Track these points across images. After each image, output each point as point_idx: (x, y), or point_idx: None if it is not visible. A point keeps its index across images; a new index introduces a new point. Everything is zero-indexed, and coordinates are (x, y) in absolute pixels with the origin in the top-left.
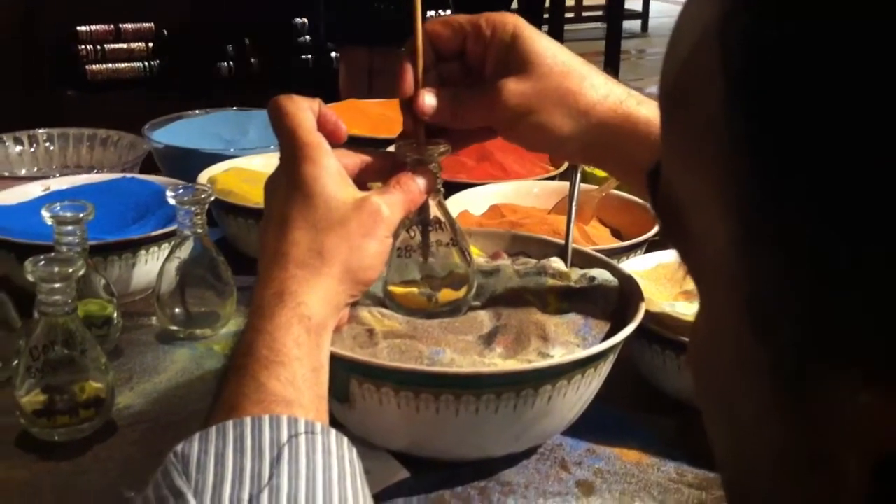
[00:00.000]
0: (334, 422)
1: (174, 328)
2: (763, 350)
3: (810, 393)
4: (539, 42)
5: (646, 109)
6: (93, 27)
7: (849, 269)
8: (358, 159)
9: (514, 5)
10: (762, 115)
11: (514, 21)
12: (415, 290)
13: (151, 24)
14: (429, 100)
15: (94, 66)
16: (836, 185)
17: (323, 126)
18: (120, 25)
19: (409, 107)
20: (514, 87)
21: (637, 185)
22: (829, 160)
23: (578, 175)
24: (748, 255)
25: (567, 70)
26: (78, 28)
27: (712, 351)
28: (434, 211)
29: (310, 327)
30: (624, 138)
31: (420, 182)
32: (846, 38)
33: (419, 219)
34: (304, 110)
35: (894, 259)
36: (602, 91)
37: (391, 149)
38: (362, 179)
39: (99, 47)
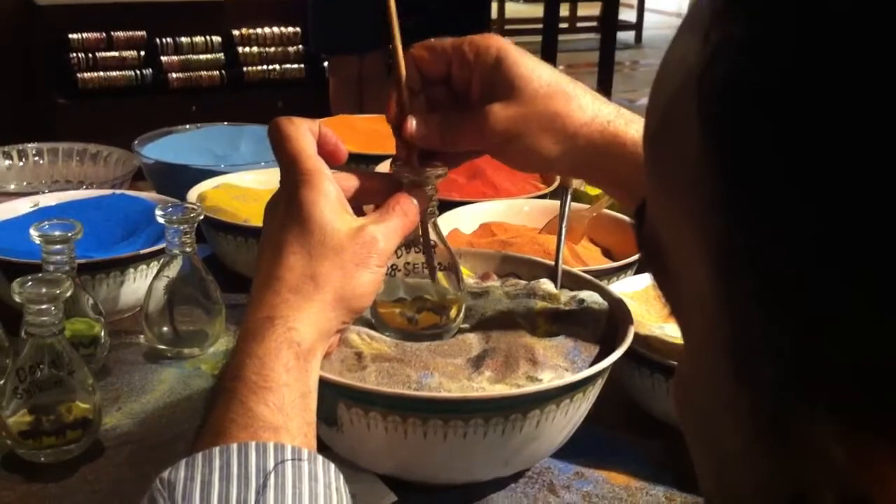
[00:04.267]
0: (322, 445)
1: (162, 347)
2: (743, 392)
3: (790, 435)
4: (524, 64)
5: (634, 129)
6: (84, 35)
7: (826, 321)
8: (356, 181)
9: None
10: (735, 169)
11: (497, 44)
12: (397, 310)
13: (143, 32)
14: (416, 125)
15: (85, 74)
16: (811, 243)
17: (323, 147)
18: (112, 33)
19: (399, 132)
20: (500, 112)
21: (627, 203)
22: (803, 217)
23: (569, 196)
24: (726, 300)
25: (553, 91)
26: (69, 36)
27: (696, 389)
28: (427, 232)
29: (299, 353)
30: (612, 159)
31: (416, 206)
32: (824, 96)
33: (411, 239)
34: (304, 133)
35: (869, 311)
36: (590, 111)
37: (386, 168)
38: (360, 201)
39: (90, 55)
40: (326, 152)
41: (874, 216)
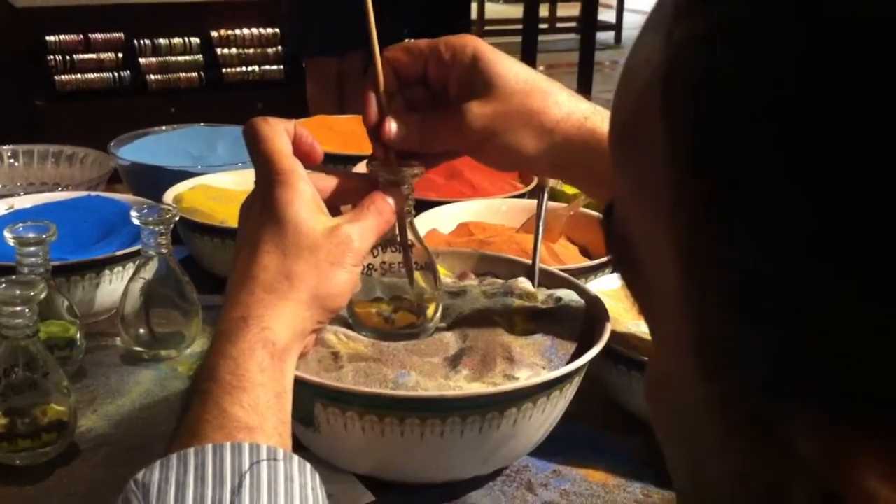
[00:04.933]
0: (299, 445)
1: (138, 349)
2: (714, 389)
3: (763, 431)
4: (500, 63)
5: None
6: (62, 37)
7: (813, 319)
8: (332, 181)
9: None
10: (702, 172)
11: (473, 44)
12: (374, 310)
13: (121, 34)
14: (393, 127)
15: (63, 77)
16: (802, 241)
17: (298, 147)
18: (90, 35)
19: (377, 133)
20: (477, 111)
21: (605, 200)
22: (773, 220)
23: (545, 195)
24: (695, 299)
25: (529, 89)
26: (47, 38)
27: (666, 386)
28: (402, 231)
29: (274, 352)
30: (590, 154)
31: (392, 204)
32: (805, 91)
33: (388, 239)
34: (279, 133)
35: (859, 309)
36: (566, 108)
37: (363, 168)
38: (336, 201)
39: (68, 57)
40: (302, 152)
41: (867, 213)
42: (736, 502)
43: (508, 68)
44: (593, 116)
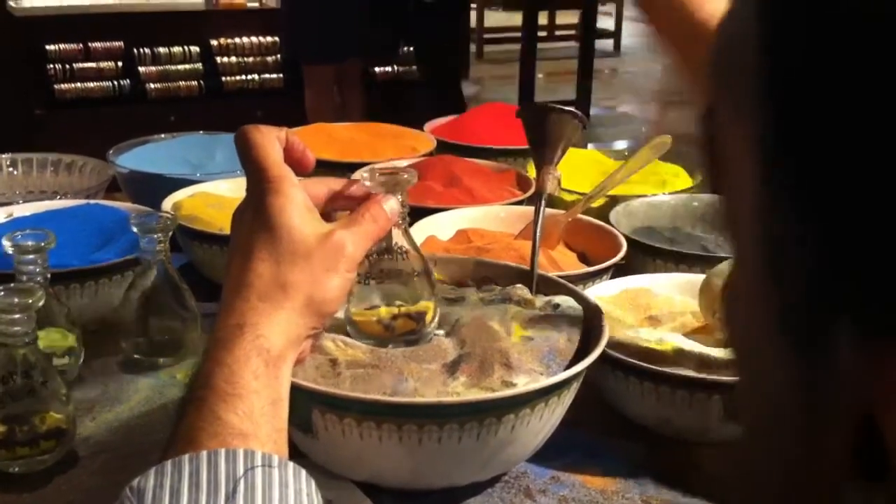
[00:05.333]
0: (297, 452)
1: (137, 356)
2: (776, 298)
3: (810, 343)
4: None
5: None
6: (62, 46)
7: (852, 226)
8: (325, 188)
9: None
10: (785, 76)
11: None
12: (373, 317)
13: (121, 43)
14: None
15: (63, 85)
16: (849, 154)
17: (290, 155)
18: (89, 44)
19: None
20: None
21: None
22: (848, 128)
23: (543, 202)
24: (770, 208)
25: None
26: (47, 47)
27: (739, 301)
28: (399, 239)
29: (269, 360)
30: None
31: (386, 211)
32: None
33: (383, 247)
34: (271, 141)
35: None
36: None
37: (357, 175)
38: (330, 208)
39: (68, 66)
40: (293, 160)
41: None
42: (781, 417)
43: None
44: None
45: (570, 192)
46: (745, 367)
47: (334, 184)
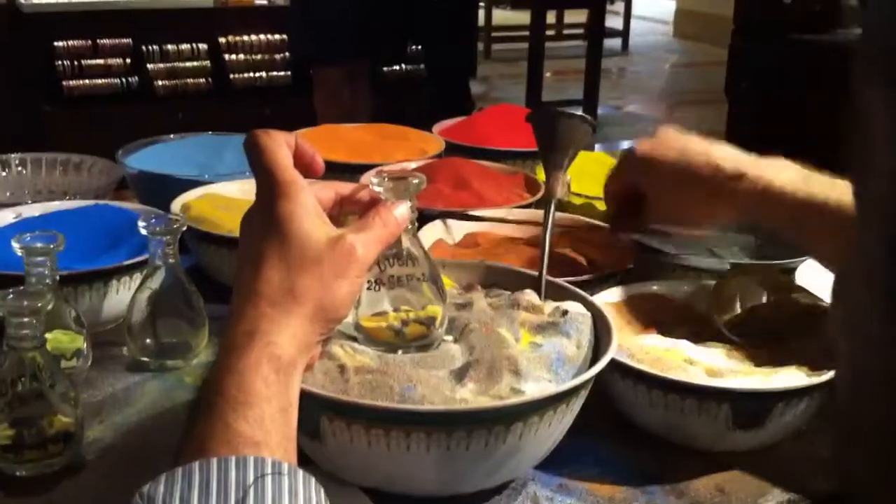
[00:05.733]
0: (305, 458)
1: (145, 359)
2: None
3: None
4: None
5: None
6: (70, 42)
7: None
8: (333, 192)
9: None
10: None
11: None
12: (384, 323)
13: (129, 40)
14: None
15: (71, 82)
16: None
17: (299, 160)
18: (98, 41)
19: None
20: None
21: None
22: None
23: (552, 207)
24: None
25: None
26: (55, 43)
27: (850, 276)
28: (406, 244)
29: (279, 367)
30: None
31: (397, 217)
32: None
33: (391, 252)
34: (280, 146)
35: None
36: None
37: (366, 178)
38: (337, 212)
39: (76, 62)
40: (303, 164)
41: None
42: (883, 398)
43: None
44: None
45: (578, 195)
46: (846, 344)
47: (342, 188)
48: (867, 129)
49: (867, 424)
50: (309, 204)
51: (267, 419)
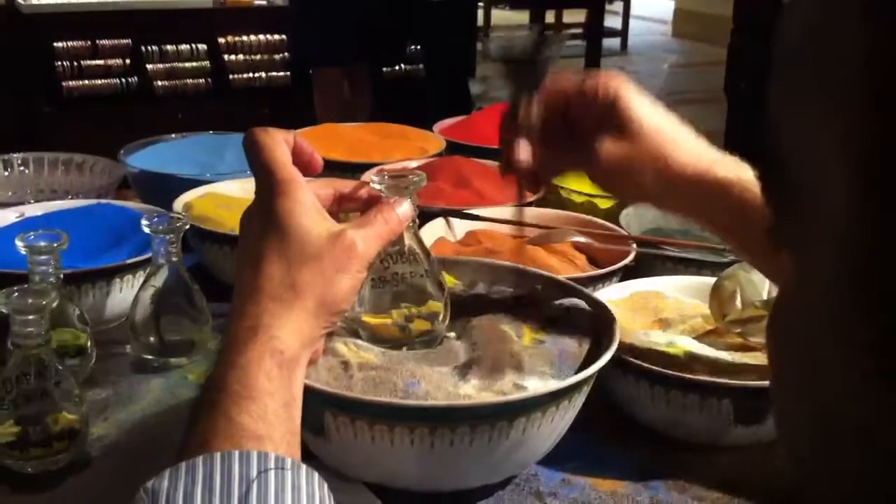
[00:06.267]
0: (309, 454)
1: (149, 357)
2: (867, 326)
3: None
4: (638, 107)
5: (736, 173)
6: (69, 43)
7: None
8: (331, 190)
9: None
10: None
11: (616, 84)
12: (388, 320)
13: (129, 40)
14: (524, 156)
15: (70, 83)
16: None
17: (298, 158)
18: (97, 41)
19: (512, 162)
20: (610, 149)
21: (730, 243)
22: None
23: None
24: (870, 221)
25: (660, 133)
26: (55, 44)
27: (804, 320)
28: (408, 241)
29: (282, 361)
30: (710, 202)
31: (399, 214)
32: None
33: (394, 250)
34: (279, 144)
35: None
36: (693, 154)
37: (367, 178)
38: (338, 210)
39: (76, 63)
40: (301, 163)
41: None
42: (865, 452)
43: (645, 112)
44: (717, 164)
45: (579, 193)
46: (804, 399)
47: (341, 185)
48: (797, 145)
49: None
50: (308, 201)
51: (270, 413)
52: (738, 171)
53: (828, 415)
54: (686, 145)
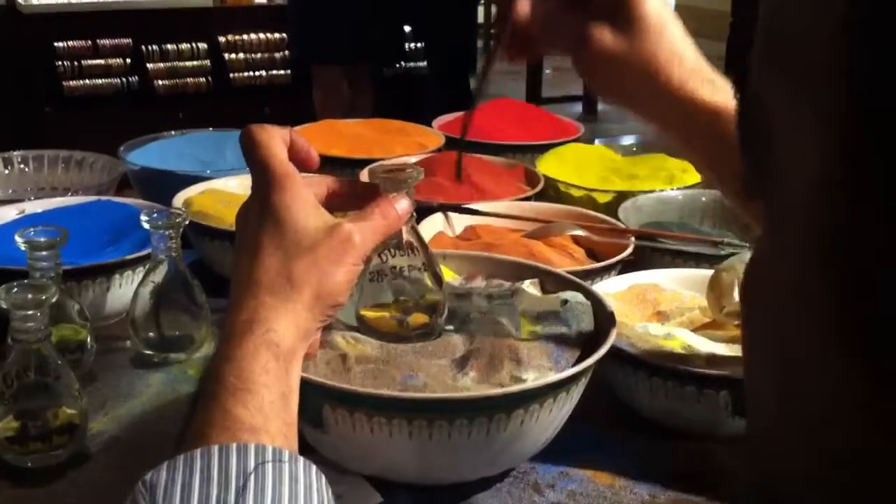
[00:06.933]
0: (308, 446)
1: (148, 352)
2: (832, 286)
3: (874, 338)
4: (650, 6)
5: (720, 98)
6: (70, 43)
7: None
8: (324, 187)
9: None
10: (877, 65)
11: None
12: (386, 314)
13: (129, 40)
14: (522, 9)
15: (71, 82)
16: None
17: (294, 154)
18: (97, 41)
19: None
20: (607, 38)
21: (701, 169)
22: None
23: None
24: (838, 198)
25: (662, 40)
26: (55, 44)
27: (771, 284)
28: (406, 235)
29: (278, 353)
30: (697, 123)
31: (397, 209)
32: None
33: (392, 243)
34: (275, 140)
35: None
36: (687, 72)
37: (364, 173)
38: (335, 206)
39: (76, 63)
40: (298, 159)
41: None
42: (829, 417)
43: (653, 13)
44: (708, 87)
45: (578, 187)
46: (772, 363)
47: (333, 183)
48: (768, 122)
49: (789, 472)
50: (304, 195)
51: (266, 406)
52: (730, 100)
53: (790, 379)
54: (684, 60)
